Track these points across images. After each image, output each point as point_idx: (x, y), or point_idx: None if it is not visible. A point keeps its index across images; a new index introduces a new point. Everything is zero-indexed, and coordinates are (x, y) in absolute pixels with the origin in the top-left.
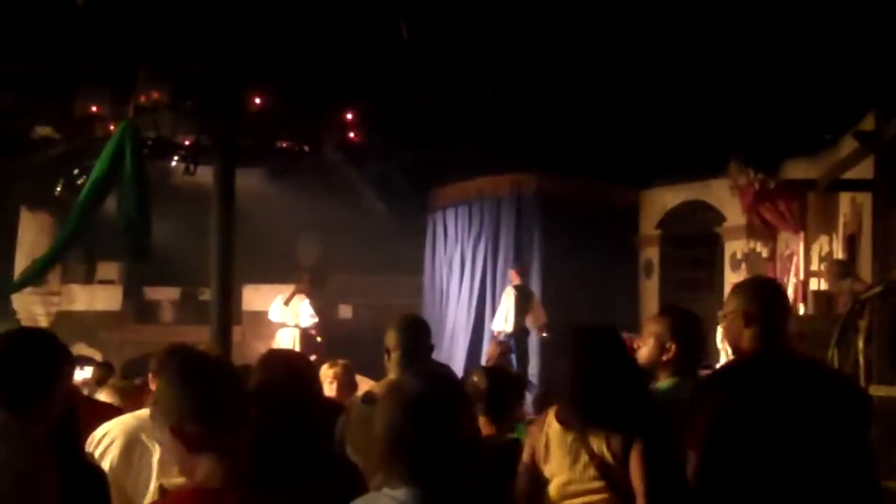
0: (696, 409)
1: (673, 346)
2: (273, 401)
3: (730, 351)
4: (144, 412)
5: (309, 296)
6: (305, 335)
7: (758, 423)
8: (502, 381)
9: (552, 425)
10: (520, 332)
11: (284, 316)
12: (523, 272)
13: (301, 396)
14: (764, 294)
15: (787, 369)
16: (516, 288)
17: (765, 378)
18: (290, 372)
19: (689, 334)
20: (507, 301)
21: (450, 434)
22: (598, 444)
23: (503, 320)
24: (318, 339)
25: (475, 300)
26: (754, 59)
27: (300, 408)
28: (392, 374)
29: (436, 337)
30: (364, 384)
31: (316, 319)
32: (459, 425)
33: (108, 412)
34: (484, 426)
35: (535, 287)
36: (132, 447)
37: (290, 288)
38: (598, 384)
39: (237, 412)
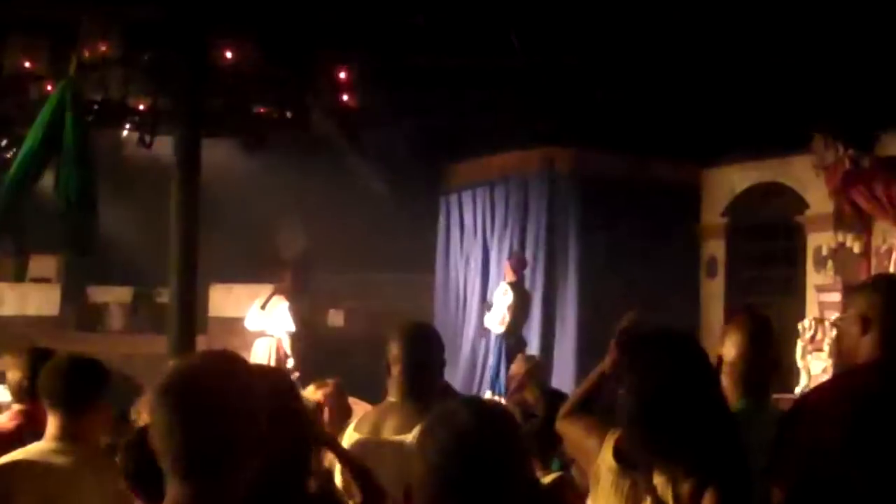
0: (788, 438)
1: (747, 359)
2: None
3: (812, 369)
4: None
5: (290, 298)
6: (280, 347)
7: (877, 461)
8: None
9: (606, 458)
10: (517, 337)
11: (263, 323)
12: (520, 266)
13: (290, 429)
14: (890, 294)
15: None
16: (512, 286)
17: (887, 399)
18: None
19: (767, 348)
20: (503, 300)
21: (508, 480)
22: (662, 488)
23: (497, 322)
24: (288, 352)
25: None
26: (845, 9)
27: (289, 443)
28: (392, 397)
29: (450, 350)
30: (358, 409)
31: (292, 329)
32: (519, 469)
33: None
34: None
35: (571, 286)
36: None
37: (268, 289)
38: (672, 409)
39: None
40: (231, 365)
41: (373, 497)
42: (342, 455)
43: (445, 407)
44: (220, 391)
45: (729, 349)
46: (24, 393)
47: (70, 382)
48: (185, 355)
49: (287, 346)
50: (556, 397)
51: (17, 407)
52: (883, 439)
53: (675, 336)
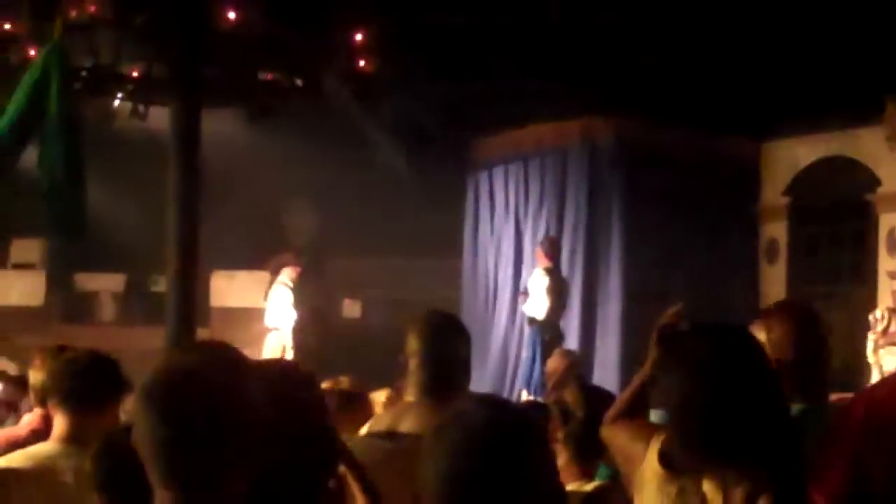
0: (839, 445)
1: (791, 359)
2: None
3: (884, 365)
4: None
5: (299, 285)
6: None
7: None
8: (604, 408)
9: (651, 463)
10: (554, 328)
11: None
12: (554, 250)
13: (310, 435)
14: None
15: None
16: (548, 271)
17: None
18: (292, 398)
19: (815, 341)
20: (538, 285)
21: (526, 488)
22: (712, 494)
23: (538, 308)
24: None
25: None
26: None
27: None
28: (410, 396)
29: (480, 344)
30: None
31: (291, 319)
32: (539, 476)
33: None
34: (567, 468)
35: (614, 273)
36: None
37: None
38: (724, 410)
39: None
40: (227, 361)
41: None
42: (350, 461)
43: (458, 407)
44: (214, 392)
45: (773, 346)
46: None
47: (90, 381)
48: (173, 350)
49: (287, 340)
50: (599, 396)
51: (38, 411)
52: None
53: (729, 330)
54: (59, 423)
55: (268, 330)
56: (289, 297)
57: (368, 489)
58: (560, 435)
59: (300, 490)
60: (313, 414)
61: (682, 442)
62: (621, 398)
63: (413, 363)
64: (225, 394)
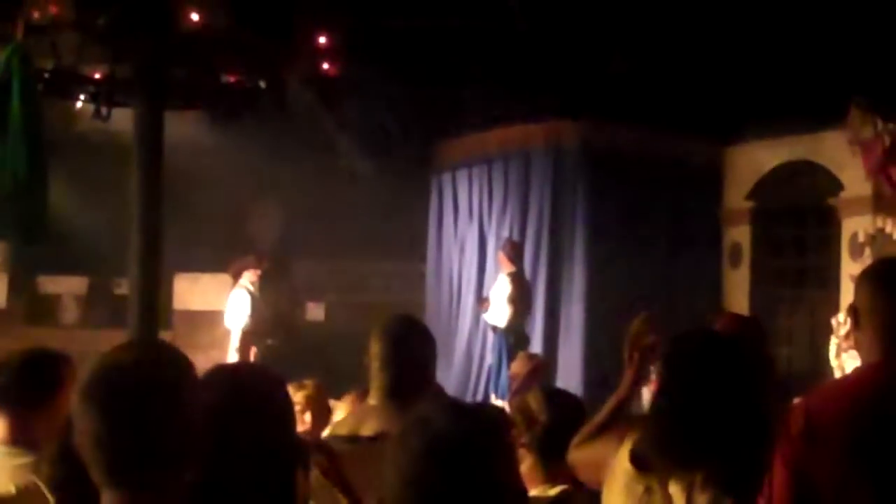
0: (780, 453)
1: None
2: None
3: (846, 369)
4: None
5: (264, 285)
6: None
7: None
8: (567, 411)
9: (621, 461)
10: (519, 332)
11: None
12: (515, 253)
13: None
14: (891, 281)
15: None
16: (512, 276)
17: (883, 414)
18: (252, 401)
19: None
20: (502, 291)
21: (490, 493)
22: (677, 497)
23: (499, 315)
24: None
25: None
26: None
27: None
28: (372, 399)
29: (444, 347)
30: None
31: (242, 322)
32: (504, 481)
33: None
34: (531, 473)
35: (577, 277)
36: None
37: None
38: (696, 415)
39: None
40: (163, 358)
41: None
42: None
43: (420, 411)
44: (153, 389)
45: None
46: None
47: (22, 380)
48: (111, 349)
49: (234, 342)
50: (562, 400)
51: None
52: (884, 465)
53: (709, 338)
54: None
55: (230, 332)
56: (247, 300)
57: (347, 489)
58: (523, 440)
59: (265, 490)
60: (280, 415)
61: (652, 442)
62: (595, 421)
63: (375, 366)
64: (162, 390)
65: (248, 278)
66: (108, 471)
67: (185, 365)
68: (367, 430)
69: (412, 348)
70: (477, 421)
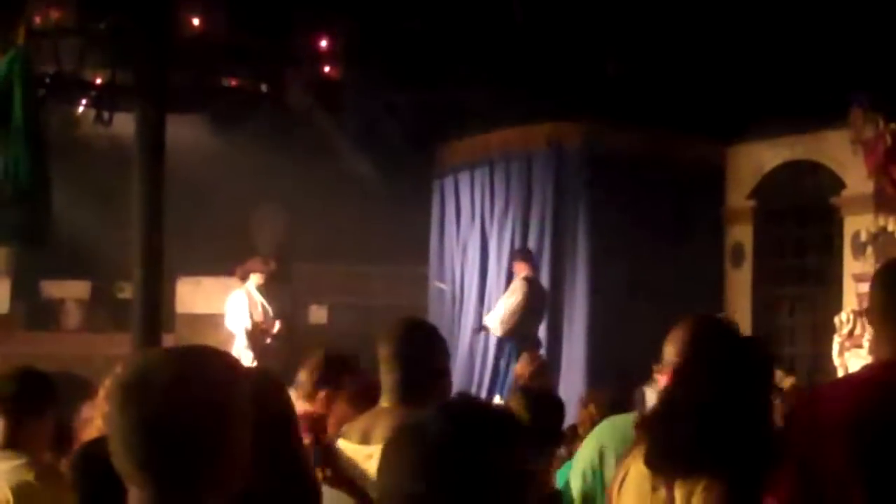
0: (787, 450)
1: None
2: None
3: (850, 367)
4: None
5: (268, 287)
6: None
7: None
8: (547, 410)
9: (636, 462)
10: (523, 338)
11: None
12: (531, 258)
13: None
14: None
15: None
16: (528, 281)
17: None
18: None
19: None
20: (514, 298)
21: (493, 491)
22: (680, 499)
23: (498, 319)
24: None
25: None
26: None
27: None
28: (385, 402)
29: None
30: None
31: (245, 325)
32: (508, 484)
33: None
34: None
35: (580, 277)
36: None
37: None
38: (697, 421)
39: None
40: (208, 358)
41: None
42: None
43: (417, 415)
44: (194, 386)
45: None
46: None
47: (18, 387)
48: (147, 350)
49: (241, 344)
50: (545, 402)
51: None
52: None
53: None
54: None
55: (233, 336)
56: (245, 301)
57: (354, 490)
58: None
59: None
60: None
61: (658, 446)
62: None
63: (383, 369)
64: (209, 388)
65: (255, 280)
66: (140, 470)
67: (230, 365)
68: (379, 433)
69: (420, 349)
70: (484, 424)
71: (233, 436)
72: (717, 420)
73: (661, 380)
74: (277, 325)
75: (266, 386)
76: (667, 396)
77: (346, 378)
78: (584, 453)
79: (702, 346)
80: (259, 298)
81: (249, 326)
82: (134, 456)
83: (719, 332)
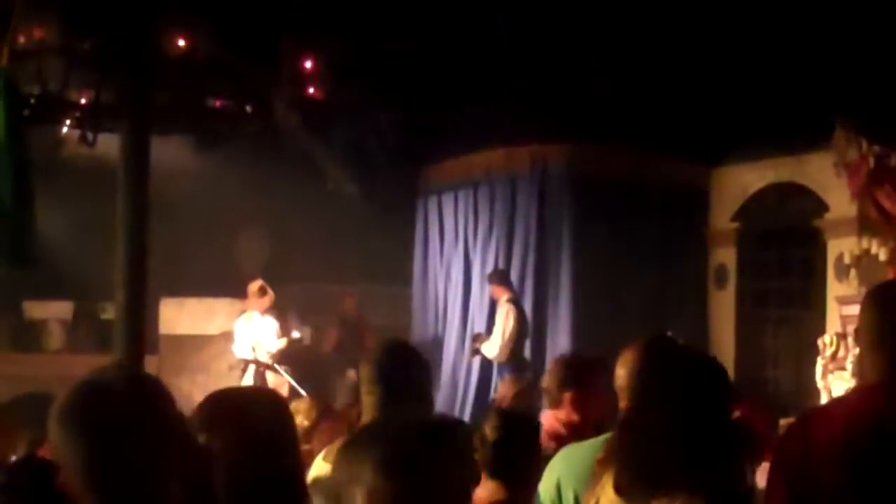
0: (776, 474)
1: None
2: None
3: (833, 390)
4: None
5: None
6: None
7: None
8: (517, 429)
9: (606, 490)
10: (518, 362)
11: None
12: (507, 279)
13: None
14: (894, 302)
15: None
16: (514, 303)
17: (889, 426)
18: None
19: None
20: (507, 323)
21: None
22: None
23: (498, 346)
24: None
25: (486, 320)
26: None
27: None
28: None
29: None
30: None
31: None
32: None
33: None
34: (494, 492)
35: (564, 300)
36: None
37: (225, 304)
38: (664, 432)
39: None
40: (138, 378)
41: None
42: None
43: (366, 426)
44: (126, 405)
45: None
46: None
47: None
48: (86, 376)
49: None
50: (517, 421)
51: None
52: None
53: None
54: None
55: (214, 356)
56: (249, 328)
57: None
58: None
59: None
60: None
61: (626, 470)
62: None
63: (364, 390)
64: (137, 407)
65: (263, 305)
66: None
67: (158, 385)
68: None
69: (401, 371)
70: (421, 431)
71: (170, 443)
72: (682, 437)
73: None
74: (282, 344)
75: (274, 404)
76: (626, 420)
77: (593, 378)
78: (544, 486)
79: (655, 366)
80: (265, 323)
81: (252, 353)
82: (84, 476)
83: (669, 351)
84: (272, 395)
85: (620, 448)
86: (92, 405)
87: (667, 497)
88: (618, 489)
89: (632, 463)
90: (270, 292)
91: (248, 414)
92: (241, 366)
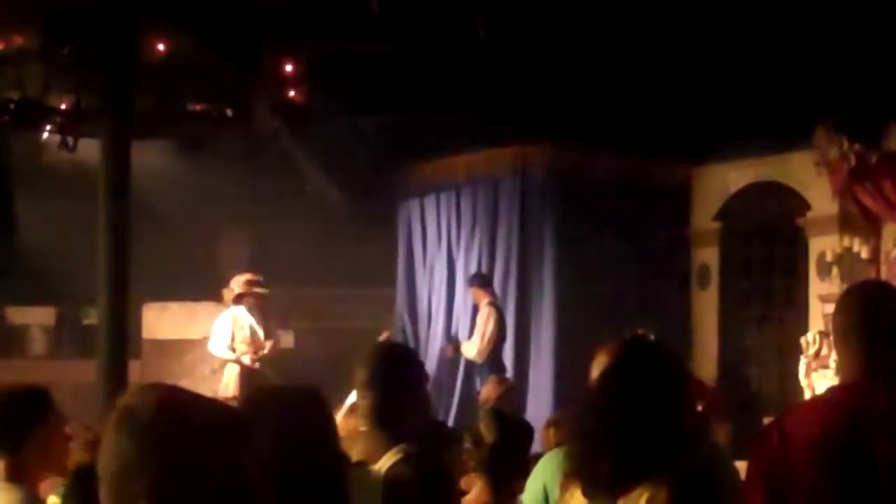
0: (756, 473)
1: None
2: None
3: (816, 388)
4: None
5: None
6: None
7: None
8: (514, 434)
9: (575, 495)
10: (495, 363)
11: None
12: (488, 283)
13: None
14: (867, 303)
15: None
16: (495, 306)
17: (863, 425)
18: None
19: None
20: (487, 326)
21: None
22: None
23: (476, 348)
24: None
25: (470, 321)
26: None
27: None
28: (362, 427)
29: None
30: None
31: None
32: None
33: None
34: (480, 493)
35: (547, 300)
36: None
37: (208, 307)
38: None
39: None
40: (190, 393)
41: None
42: None
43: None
44: (198, 414)
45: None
46: None
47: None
48: (133, 387)
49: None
50: (512, 423)
51: None
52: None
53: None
54: None
55: (195, 361)
56: (229, 325)
57: None
58: (472, 462)
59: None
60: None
61: (588, 471)
62: None
63: (358, 394)
64: (206, 418)
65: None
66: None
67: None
68: (354, 455)
69: (395, 374)
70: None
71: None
72: (639, 430)
73: None
74: (268, 347)
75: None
76: (580, 420)
77: None
78: (529, 491)
79: (612, 366)
80: (248, 320)
81: (232, 350)
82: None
83: (633, 349)
84: (313, 392)
85: (579, 451)
86: (152, 406)
87: (632, 494)
88: (584, 492)
89: (591, 465)
90: (260, 289)
91: (290, 410)
92: (218, 365)
